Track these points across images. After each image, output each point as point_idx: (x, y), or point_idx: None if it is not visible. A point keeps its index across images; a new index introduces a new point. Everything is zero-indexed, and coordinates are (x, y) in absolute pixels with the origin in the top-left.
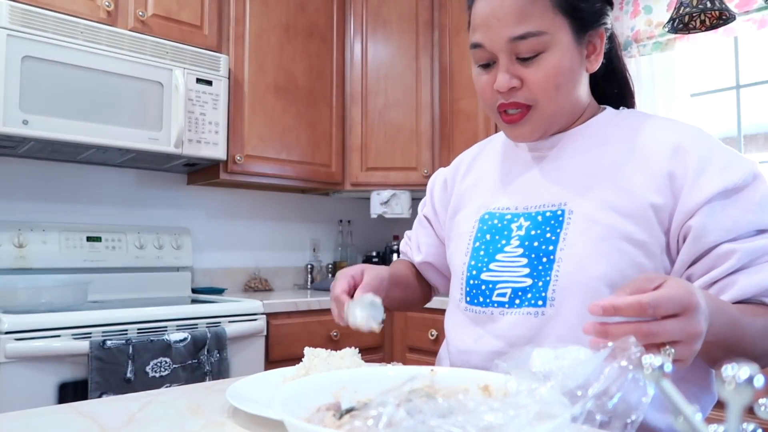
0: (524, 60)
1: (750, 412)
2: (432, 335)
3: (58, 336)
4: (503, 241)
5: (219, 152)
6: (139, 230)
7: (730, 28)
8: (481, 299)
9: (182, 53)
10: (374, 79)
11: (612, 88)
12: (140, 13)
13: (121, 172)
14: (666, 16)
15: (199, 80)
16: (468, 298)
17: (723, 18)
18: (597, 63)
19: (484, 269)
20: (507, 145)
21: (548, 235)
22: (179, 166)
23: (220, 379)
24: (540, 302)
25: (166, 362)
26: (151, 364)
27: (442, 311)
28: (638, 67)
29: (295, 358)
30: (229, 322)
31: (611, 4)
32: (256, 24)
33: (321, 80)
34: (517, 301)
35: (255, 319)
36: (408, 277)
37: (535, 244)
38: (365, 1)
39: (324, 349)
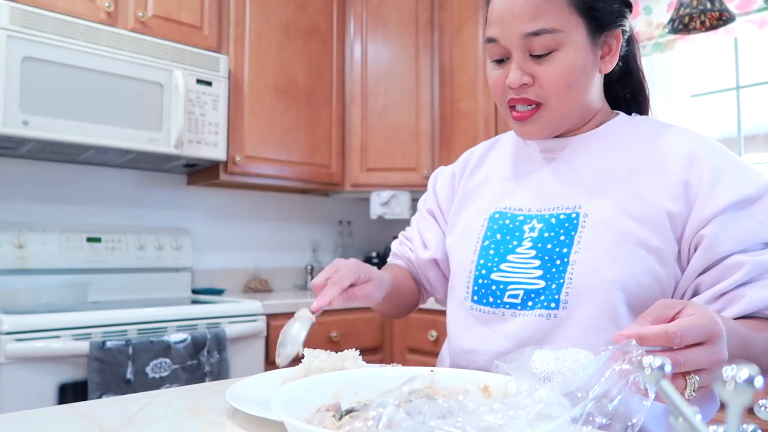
0: (537, 57)
1: (750, 412)
2: (432, 336)
3: (58, 337)
4: (515, 242)
5: (219, 153)
6: (139, 231)
7: (730, 28)
8: (491, 299)
9: (182, 54)
10: (374, 79)
11: (625, 91)
12: (140, 14)
13: (121, 173)
14: (666, 17)
15: (199, 81)
16: (475, 297)
17: (723, 19)
18: (611, 64)
19: (495, 269)
20: (518, 144)
21: (562, 237)
22: (179, 167)
23: (219, 379)
24: (553, 305)
25: (165, 363)
26: (151, 364)
27: (442, 312)
28: None
29: (295, 359)
30: (229, 322)
31: (630, 6)
32: (256, 25)
33: (321, 81)
34: (530, 303)
35: (255, 320)
36: (407, 282)
37: (549, 246)
38: (365, 1)
39: (324, 350)
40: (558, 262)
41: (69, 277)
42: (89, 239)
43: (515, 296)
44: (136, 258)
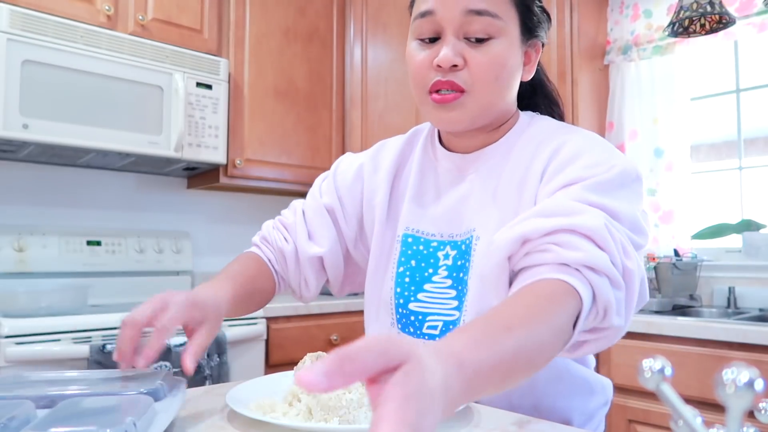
0: (472, 42)
1: (750, 415)
2: None
3: (58, 340)
4: (430, 270)
5: (219, 156)
6: (139, 234)
7: (730, 31)
8: (411, 329)
9: (182, 57)
10: (374, 82)
11: (538, 103)
12: (140, 17)
13: (121, 176)
14: (666, 20)
15: (199, 84)
16: (399, 326)
17: (723, 22)
18: (529, 74)
19: (412, 298)
20: (424, 159)
21: (467, 264)
22: (179, 170)
23: (220, 383)
24: None
25: (165, 366)
26: (151, 368)
27: None
28: (638, 71)
29: (295, 363)
30: (229, 326)
31: (550, 21)
32: (256, 28)
33: (321, 84)
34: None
35: (255, 323)
36: (261, 284)
37: (461, 275)
38: (365, 5)
39: (325, 353)
40: (465, 290)
41: (69, 281)
42: (89, 242)
43: (434, 327)
44: (136, 261)
